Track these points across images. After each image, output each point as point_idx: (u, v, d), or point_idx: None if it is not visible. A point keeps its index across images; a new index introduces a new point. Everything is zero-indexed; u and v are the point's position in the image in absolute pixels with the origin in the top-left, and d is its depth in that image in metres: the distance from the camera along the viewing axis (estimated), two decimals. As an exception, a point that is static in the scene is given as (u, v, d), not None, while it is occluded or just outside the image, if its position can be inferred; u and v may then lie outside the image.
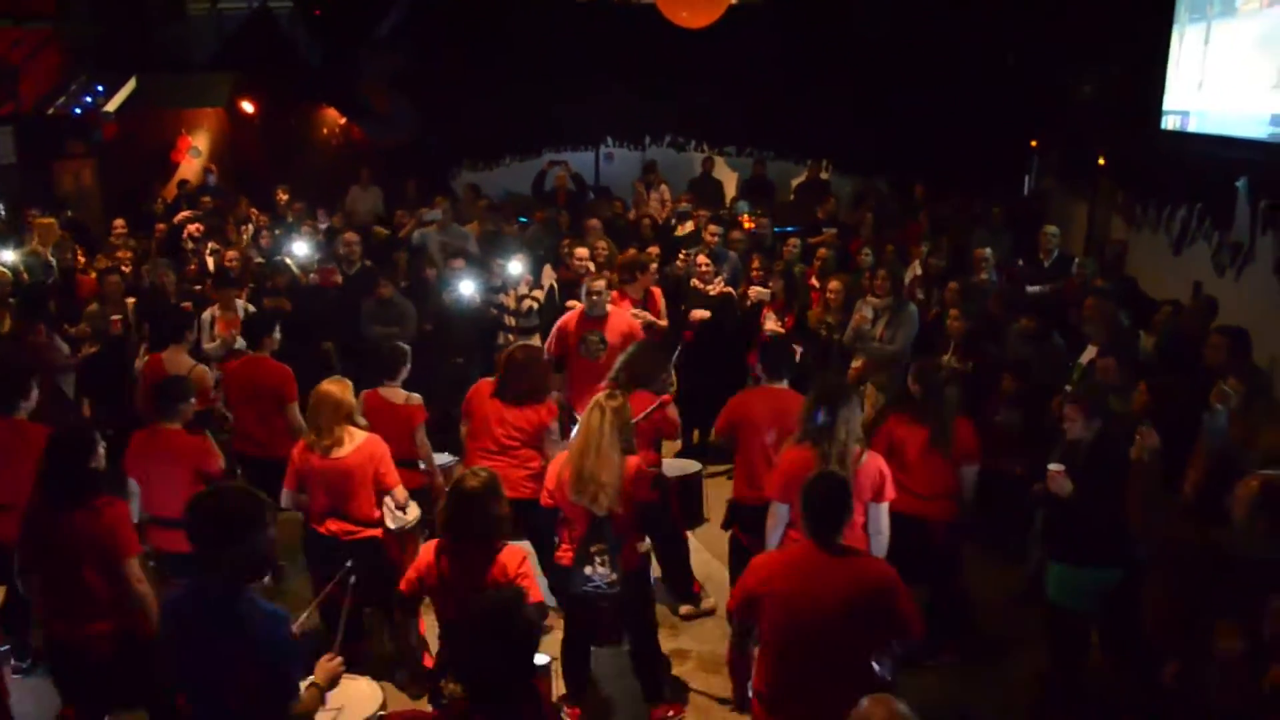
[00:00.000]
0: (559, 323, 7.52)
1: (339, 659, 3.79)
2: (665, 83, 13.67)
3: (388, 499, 5.51)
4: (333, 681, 3.71)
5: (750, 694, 4.16)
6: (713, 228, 9.55)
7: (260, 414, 6.59)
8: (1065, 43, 10.98)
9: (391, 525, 5.60)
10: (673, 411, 6.05)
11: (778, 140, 14.45)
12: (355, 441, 5.36)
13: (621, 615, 5.18)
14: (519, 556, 4.29)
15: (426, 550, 4.38)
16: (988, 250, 9.07)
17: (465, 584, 4.16)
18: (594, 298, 7.29)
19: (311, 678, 3.66)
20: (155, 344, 7.10)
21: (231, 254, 9.41)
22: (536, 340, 8.40)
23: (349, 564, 4.69)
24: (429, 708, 5.08)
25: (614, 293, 8.35)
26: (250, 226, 11.32)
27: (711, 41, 11.10)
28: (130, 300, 8.30)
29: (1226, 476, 4.33)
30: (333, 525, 5.38)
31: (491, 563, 4.21)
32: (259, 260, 9.86)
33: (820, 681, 3.76)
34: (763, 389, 5.98)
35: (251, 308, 8.17)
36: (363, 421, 5.51)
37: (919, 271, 9.43)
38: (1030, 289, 8.89)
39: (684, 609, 6.49)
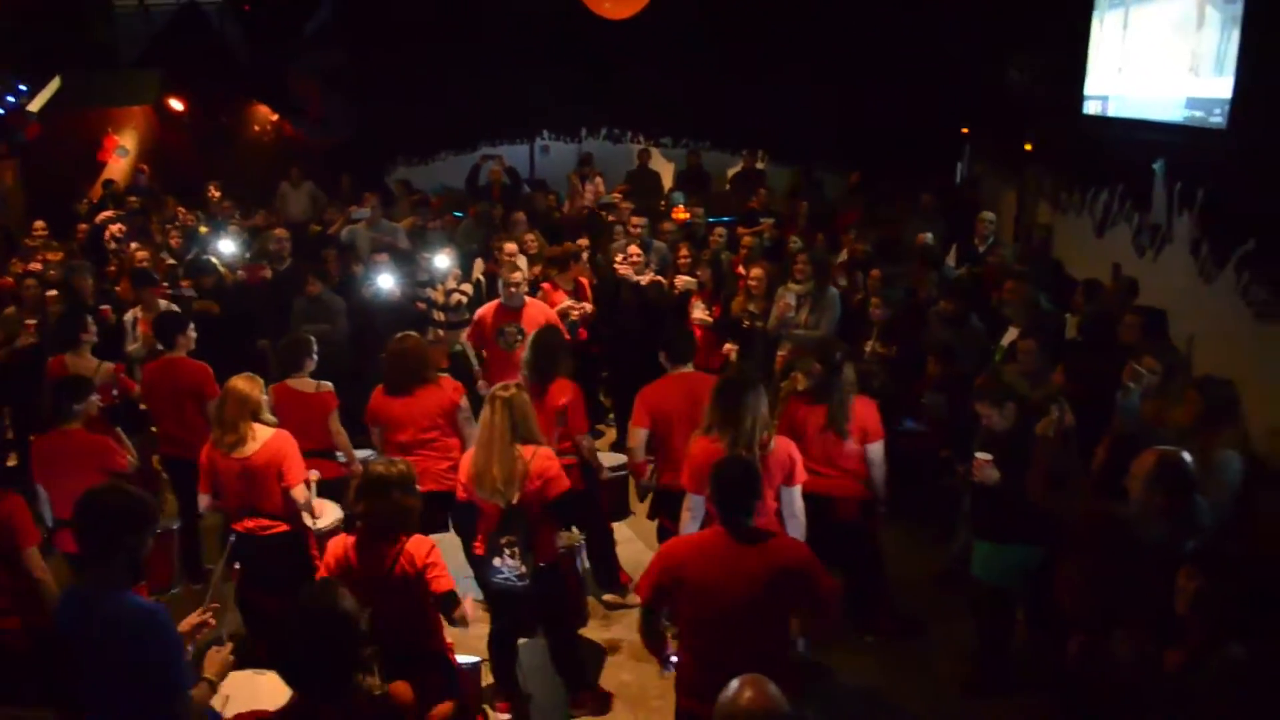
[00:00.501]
0: (477, 314, 7.52)
1: (228, 649, 3.72)
2: (600, 75, 13.63)
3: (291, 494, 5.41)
4: (224, 673, 3.65)
5: (673, 661, 4.19)
6: (635, 219, 9.53)
7: (181, 415, 6.49)
8: (995, 30, 11.10)
9: (314, 527, 5.54)
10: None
11: (713, 131, 14.48)
12: (261, 438, 5.29)
13: (539, 606, 5.17)
14: (426, 546, 4.27)
15: (335, 545, 4.35)
16: (929, 235, 9.14)
17: (372, 575, 4.15)
18: (511, 289, 7.28)
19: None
20: (57, 346, 6.95)
21: (142, 254, 9.23)
22: (464, 335, 8.38)
23: (231, 539, 4.61)
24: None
25: (545, 285, 8.35)
26: (177, 226, 11.13)
27: (646, 32, 11.11)
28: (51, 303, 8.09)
29: (1131, 454, 4.40)
30: (249, 523, 5.32)
31: (399, 553, 4.18)
32: (171, 261, 9.69)
33: (736, 664, 3.75)
34: (672, 376, 5.99)
35: (175, 308, 8.02)
36: (270, 418, 5.43)
37: (845, 258, 9.49)
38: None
39: (607, 597, 6.49)
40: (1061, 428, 5.10)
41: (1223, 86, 6.88)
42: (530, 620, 5.34)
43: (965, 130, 13.03)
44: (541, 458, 4.96)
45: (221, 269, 9.23)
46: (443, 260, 8.95)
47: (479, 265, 9.44)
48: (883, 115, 12.56)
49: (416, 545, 4.23)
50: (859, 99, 12.75)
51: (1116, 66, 8.83)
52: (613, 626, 6.27)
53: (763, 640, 3.77)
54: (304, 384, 6.19)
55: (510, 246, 8.86)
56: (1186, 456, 4.11)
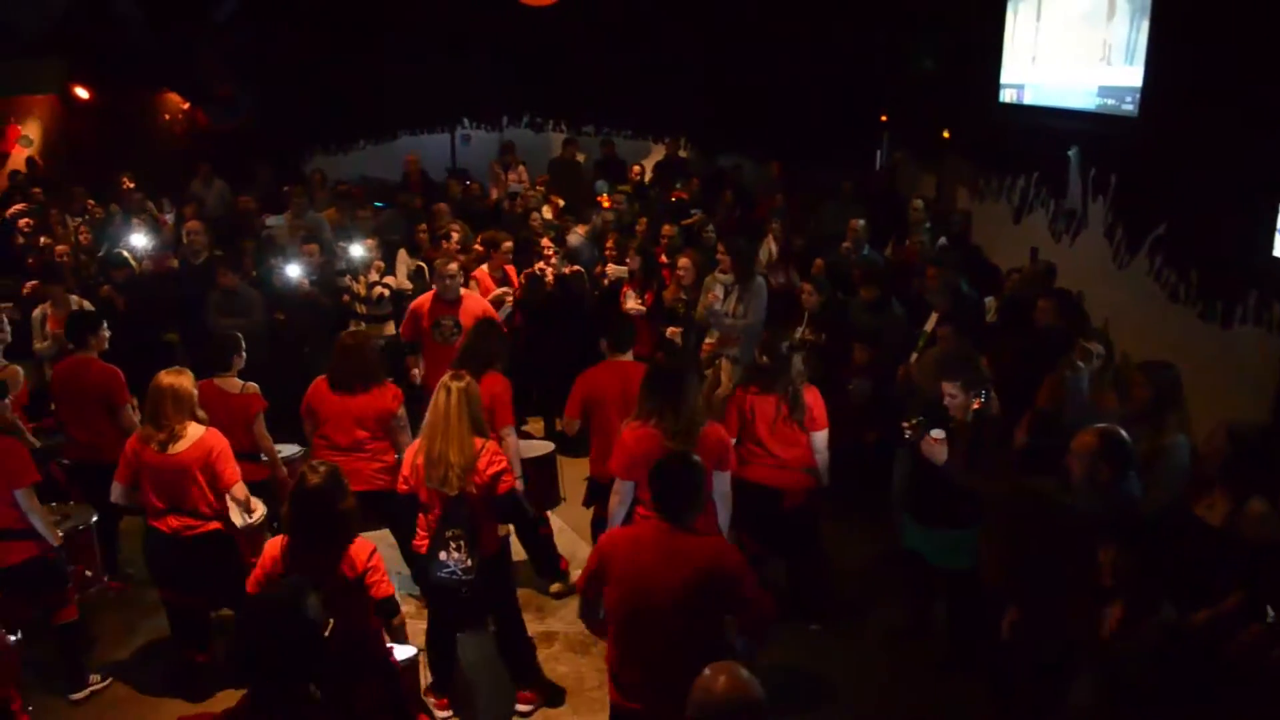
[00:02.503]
0: (413, 305, 7.42)
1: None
2: (522, 63, 13.53)
3: (230, 495, 5.32)
4: None
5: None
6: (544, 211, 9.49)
7: (87, 418, 6.28)
8: (909, 18, 11.25)
9: (238, 523, 5.42)
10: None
11: (634, 119, 14.44)
12: (193, 436, 5.17)
13: (483, 600, 5.11)
14: (367, 549, 4.22)
15: (272, 547, 4.26)
16: (861, 222, 9.24)
17: (312, 580, 4.05)
18: (446, 281, 7.19)
19: None
20: None
21: (61, 248, 8.93)
22: (390, 328, 8.27)
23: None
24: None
25: (476, 273, 8.27)
26: (86, 220, 10.79)
27: (569, 19, 11.04)
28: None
29: (1051, 432, 4.51)
30: (173, 522, 5.19)
31: (340, 558, 4.12)
32: (84, 256, 9.40)
33: (661, 658, 3.76)
34: (608, 363, 6.00)
35: (87, 304, 7.77)
36: (202, 415, 5.31)
37: (773, 249, 9.55)
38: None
39: (554, 588, 6.47)
40: (986, 413, 5.17)
41: (1133, 75, 7.07)
42: (472, 614, 5.28)
43: (884, 118, 13.19)
44: (490, 451, 4.91)
45: (132, 261, 8.98)
46: (357, 249, 8.79)
47: (403, 257, 9.30)
48: (802, 103, 12.65)
49: (357, 549, 4.18)
50: (778, 87, 12.81)
51: (1030, 56, 9.01)
52: (547, 619, 6.25)
53: (690, 639, 3.74)
54: (230, 384, 6.05)
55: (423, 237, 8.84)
56: (1124, 433, 4.20)
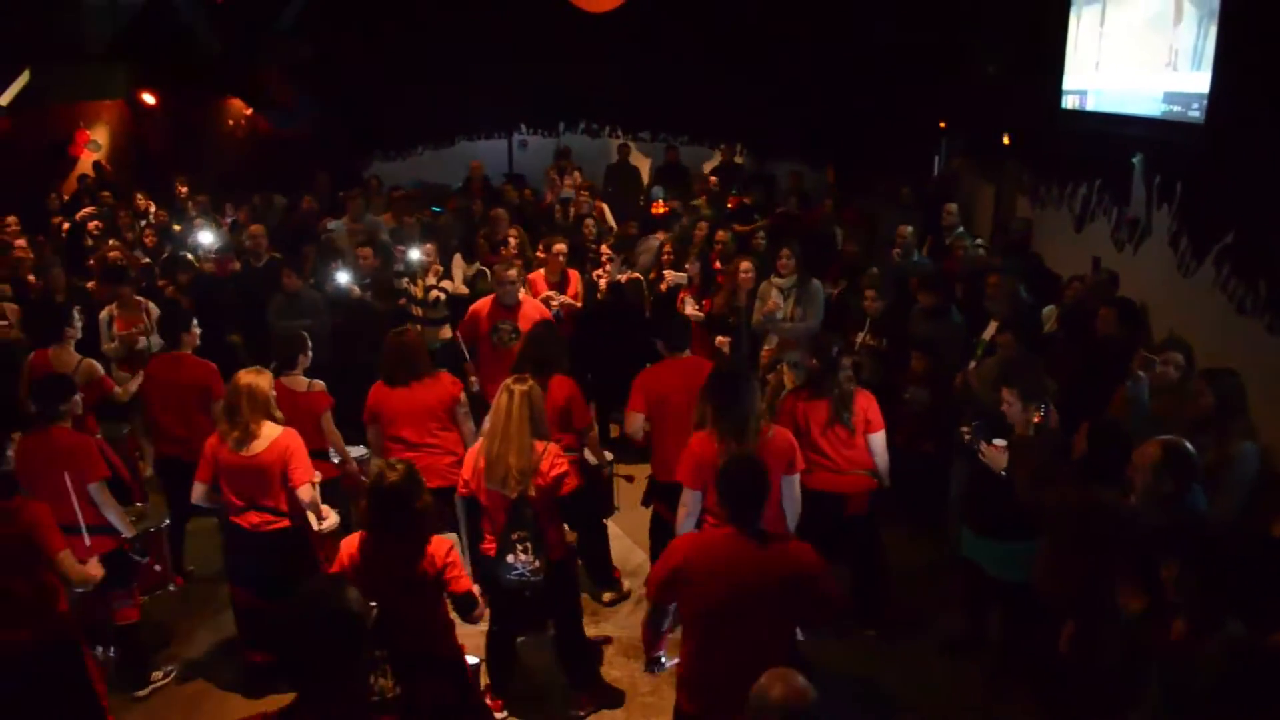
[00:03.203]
0: (472, 308, 7.46)
1: None
2: (579, 68, 13.60)
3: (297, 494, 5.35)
4: None
5: (661, 661, 4.22)
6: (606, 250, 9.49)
7: (183, 413, 6.39)
8: (971, 24, 11.15)
9: (317, 528, 5.48)
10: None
11: (691, 125, 14.46)
12: (269, 435, 5.25)
13: (546, 604, 5.13)
14: (445, 546, 4.25)
15: (348, 545, 4.26)
16: (909, 228, 9.18)
17: (391, 578, 4.10)
18: (506, 287, 7.23)
19: None
20: (37, 342, 6.85)
21: (114, 253, 9.12)
22: (446, 332, 8.34)
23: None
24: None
25: (531, 275, 8.33)
26: (151, 224, 11.02)
27: (624, 26, 11.07)
28: (11, 305, 7.96)
29: (1112, 442, 4.44)
30: (253, 518, 5.28)
31: (419, 555, 4.15)
32: (146, 261, 9.59)
33: (741, 666, 3.72)
34: (669, 361, 5.99)
35: (152, 305, 7.94)
36: (279, 414, 5.38)
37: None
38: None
39: (606, 596, 6.49)
40: (1045, 426, 5.10)
41: (1200, 81, 6.93)
42: (535, 618, 5.28)
43: (943, 124, 13.08)
44: (552, 454, 4.94)
45: (196, 263, 9.16)
46: (414, 253, 8.88)
47: (458, 261, 9.38)
48: (860, 109, 12.59)
49: (436, 546, 4.20)
50: (836, 93, 12.76)
51: (1094, 61, 8.88)
52: (601, 623, 6.27)
53: (768, 643, 3.73)
54: (297, 382, 6.13)
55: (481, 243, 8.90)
56: (1189, 445, 4.13)
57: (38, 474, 5.14)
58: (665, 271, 8.69)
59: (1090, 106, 8.88)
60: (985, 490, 5.24)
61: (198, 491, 5.37)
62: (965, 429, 5.32)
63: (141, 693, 5.54)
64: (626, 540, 7.05)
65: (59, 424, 5.26)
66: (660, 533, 6.09)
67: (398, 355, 6.00)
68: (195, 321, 6.62)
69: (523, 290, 7.50)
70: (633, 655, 5.89)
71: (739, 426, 4.81)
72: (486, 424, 5.04)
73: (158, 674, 5.66)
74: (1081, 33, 9.14)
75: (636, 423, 5.93)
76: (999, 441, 5.09)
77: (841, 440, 5.67)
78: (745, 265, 8.12)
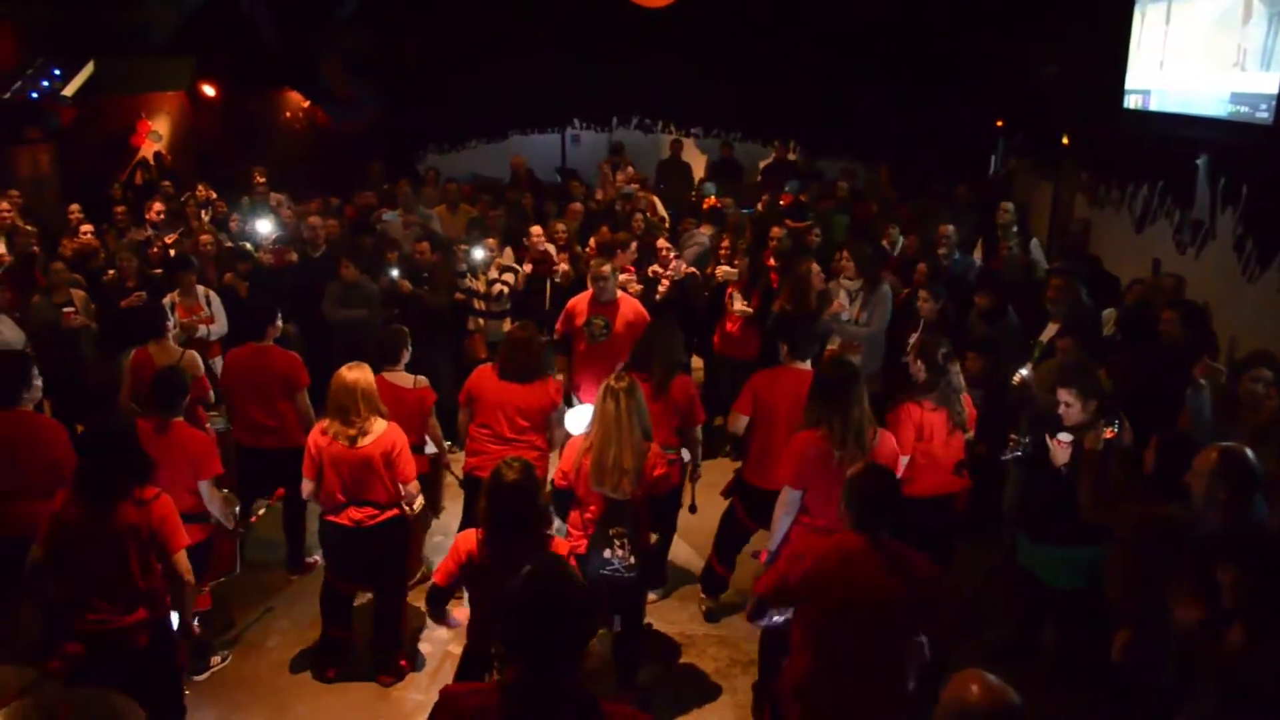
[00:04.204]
0: (569, 304, 7.50)
1: None
2: (632, 64, 13.62)
3: (405, 489, 5.43)
4: None
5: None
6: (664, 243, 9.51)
7: (268, 403, 6.47)
8: (1030, 22, 11.01)
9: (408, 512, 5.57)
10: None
11: (745, 121, 14.42)
12: (377, 430, 5.28)
13: (621, 599, 5.10)
14: (566, 546, 4.30)
15: (465, 541, 4.25)
16: (950, 227, 9.09)
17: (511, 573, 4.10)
18: (601, 283, 7.23)
19: None
20: (132, 339, 6.93)
21: (206, 237, 9.25)
22: (508, 325, 8.39)
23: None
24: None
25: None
26: (210, 211, 11.19)
27: (678, 21, 11.06)
28: (77, 291, 8.11)
29: (1181, 452, 4.37)
30: (354, 514, 5.33)
31: (531, 556, 4.15)
32: (227, 244, 9.75)
33: (858, 675, 3.74)
34: (785, 369, 5.89)
35: (213, 294, 8.06)
36: (384, 409, 5.41)
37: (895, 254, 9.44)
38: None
39: (651, 596, 6.46)
40: (1117, 442, 5.02)
41: (1269, 82, 6.81)
42: (607, 614, 5.20)
43: (999, 123, 12.93)
44: (655, 453, 4.95)
45: (255, 253, 9.29)
46: (478, 251, 8.95)
47: (509, 254, 9.42)
48: (915, 108, 12.48)
49: (556, 545, 4.23)
50: (892, 91, 12.66)
51: (1158, 60, 8.73)
52: (647, 615, 6.25)
53: (887, 652, 3.70)
54: (401, 378, 6.11)
55: (536, 229, 8.97)
56: (1249, 452, 4.05)
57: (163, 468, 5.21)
58: (718, 268, 8.67)
59: (1153, 106, 8.74)
60: (1043, 496, 5.17)
61: (307, 489, 5.43)
62: (1013, 439, 5.24)
63: (200, 676, 5.63)
64: (680, 542, 7.01)
65: (177, 416, 5.34)
66: (731, 529, 6.11)
67: (518, 350, 5.99)
68: (280, 315, 6.68)
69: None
70: (670, 654, 5.92)
71: (854, 430, 4.78)
72: (590, 426, 5.01)
73: (215, 658, 5.75)
74: (1146, 31, 9.00)
75: (740, 423, 5.89)
76: (1065, 436, 5.01)
77: (955, 446, 5.62)
78: (816, 268, 8.07)
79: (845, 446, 4.72)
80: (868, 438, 4.84)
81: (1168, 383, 5.70)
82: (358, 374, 5.30)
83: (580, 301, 7.40)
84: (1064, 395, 5.10)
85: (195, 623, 4.84)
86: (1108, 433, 4.95)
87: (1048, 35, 10.72)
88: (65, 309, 7.78)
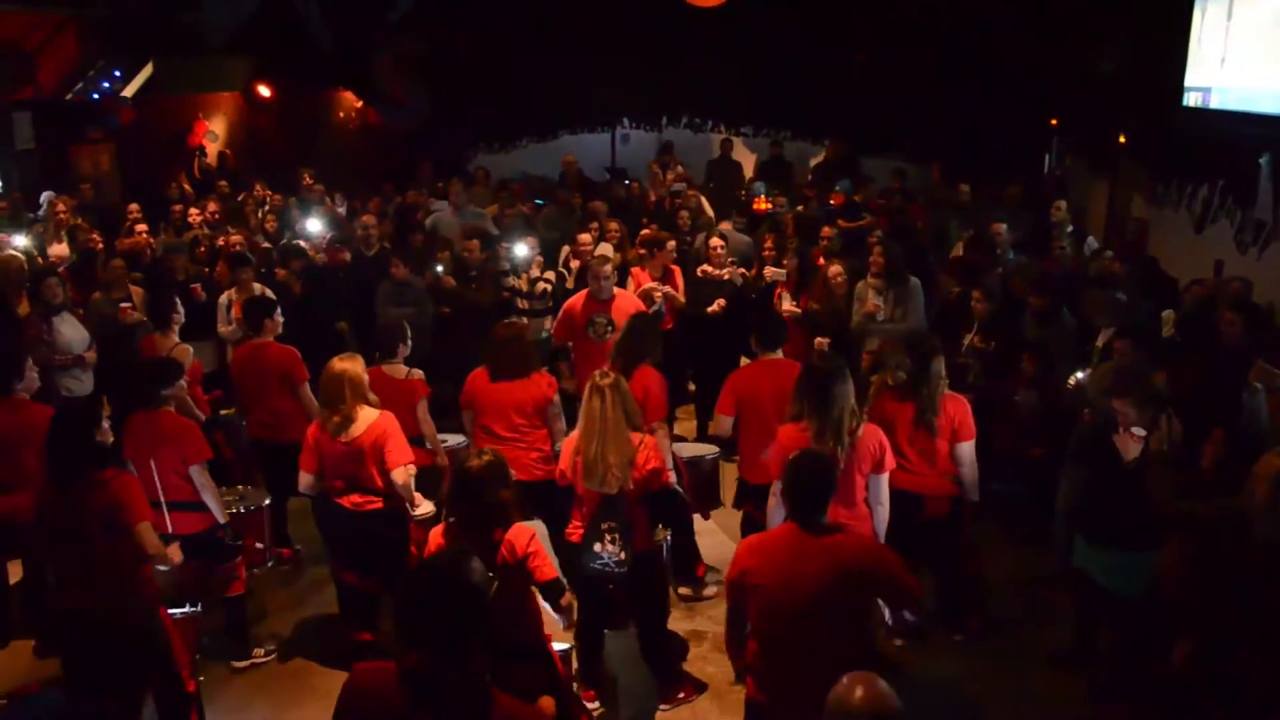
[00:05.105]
0: (565, 305, 7.51)
1: None
2: (682, 63, 13.60)
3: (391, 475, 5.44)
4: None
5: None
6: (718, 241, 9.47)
7: (268, 398, 6.58)
8: (1086, 18, 10.84)
9: (413, 514, 5.58)
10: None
11: (795, 120, 14.34)
12: (366, 419, 5.35)
13: (631, 598, 5.16)
14: (527, 535, 4.25)
15: (435, 534, 4.33)
16: (1004, 226, 8.98)
17: None
18: (601, 281, 7.26)
19: None
20: (149, 326, 7.15)
21: (236, 237, 9.40)
22: (549, 322, 8.42)
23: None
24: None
25: (634, 269, 8.35)
26: (266, 209, 11.35)
27: (728, 20, 11.03)
28: (135, 288, 8.26)
29: (1242, 454, 4.28)
30: (355, 498, 5.40)
31: (498, 544, 4.18)
32: (265, 245, 9.88)
33: (807, 660, 3.72)
34: (760, 362, 5.94)
35: (269, 291, 8.18)
36: (374, 398, 5.48)
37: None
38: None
39: (683, 590, 6.47)
40: (1172, 440, 4.94)
41: (1336, 79, 6.66)
42: (621, 610, 5.31)
43: (1054, 121, 12.75)
44: (648, 446, 4.97)
45: (309, 251, 9.41)
46: (521, 249, 8.97)
47: (565, 252, 9.46)
48: (967, 105, 12.34)
49: (517, 534, 4.21)
50: (942, 88, 12.52)
51: (1219, 57, 8.57)
52: (696, 617, 6.25)
53: (831, 635, 3.70)
54: (396, 370, 6.24)
55: (584, 236, 8.93)
56: None
57: (139, 452, 5.34)
58: (766, 269, 8.64)
59: (1214, 104, 8.58)
60: (1104, 497, 5.08)
61: (304, 481, 5.50)
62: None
63: (240, 664, 5.70)
64: (722, 535, 7.02)
65: (160, 407, 5.46)
66: (752, 532, 6.05)
67: (505, 350, 6.04)
68: (279, 309, 6.81)
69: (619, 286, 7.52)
70: (724, 649, 5.86)
71: (833, 424, 4.77)
72: (578, 425, 5.06)
73: (259, 651, 5.81)
74: (1206, 27, 8.83)
75: (725, 425, 5.90)
76: (1139, 430, 4.93)
77: (925, 447, 5.53)
78: (835, 269, 8.02)
79: (824, 440, 4.70)
80: (848, 430, 4.81)
81: (1227, 386, 5.59)
82: (346, 364, 5.37)
83: (576, 302, 7.41)
84: (1119, 405, 5.02)
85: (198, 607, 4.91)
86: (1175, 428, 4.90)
87: (1104, 32, 10.54)
88: (122, 305, 7.92)
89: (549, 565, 4.28)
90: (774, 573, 3.77)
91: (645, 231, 9.16)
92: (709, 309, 8.44)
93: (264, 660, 5.81)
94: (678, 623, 6.10)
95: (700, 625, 6.17)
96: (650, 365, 6.09)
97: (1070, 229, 9.47)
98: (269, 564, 6.31)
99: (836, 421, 4.80)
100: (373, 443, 5.32)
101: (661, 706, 5.38)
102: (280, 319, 6.80)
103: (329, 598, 6.11)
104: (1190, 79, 9.01)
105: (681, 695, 5.42)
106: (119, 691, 2.76)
